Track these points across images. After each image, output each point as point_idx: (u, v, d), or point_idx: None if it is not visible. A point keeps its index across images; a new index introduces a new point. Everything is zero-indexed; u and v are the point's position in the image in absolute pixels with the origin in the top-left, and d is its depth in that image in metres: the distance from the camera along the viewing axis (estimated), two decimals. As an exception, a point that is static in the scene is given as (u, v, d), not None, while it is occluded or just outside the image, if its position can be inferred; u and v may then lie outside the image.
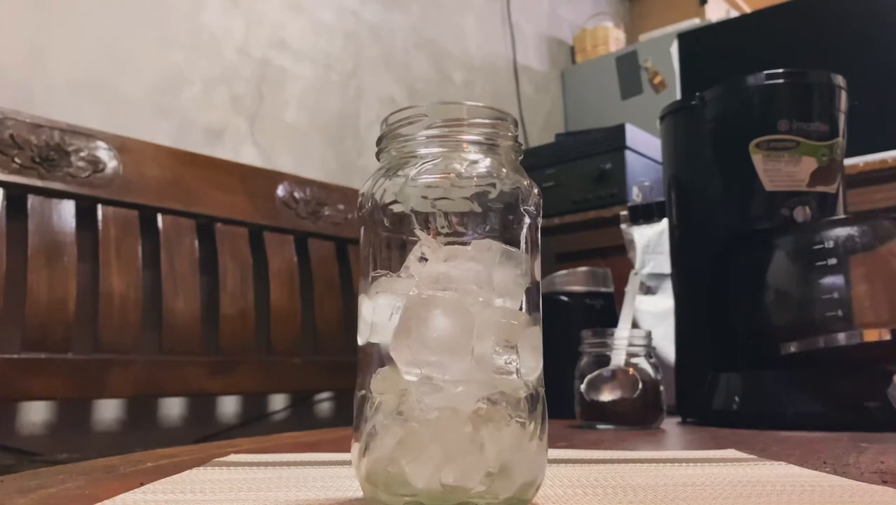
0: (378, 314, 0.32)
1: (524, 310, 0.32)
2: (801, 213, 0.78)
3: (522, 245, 0.32)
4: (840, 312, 0.72)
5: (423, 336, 0.30)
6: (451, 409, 0.29)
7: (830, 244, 0.74)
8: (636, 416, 0.77)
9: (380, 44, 1.83)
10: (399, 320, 0.31)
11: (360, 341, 0.33)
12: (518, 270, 0.32)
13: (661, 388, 0.79)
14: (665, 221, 1.10)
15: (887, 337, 0.69)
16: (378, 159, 0.34)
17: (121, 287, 1.15)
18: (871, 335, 0.70)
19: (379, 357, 0.31)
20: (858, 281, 0.73)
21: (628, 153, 1.68)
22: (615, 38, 2.39)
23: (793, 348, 0.74)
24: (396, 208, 0.32)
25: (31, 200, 1.10)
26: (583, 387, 0.78)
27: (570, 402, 0.80)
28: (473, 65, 2.11)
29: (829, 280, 0.73)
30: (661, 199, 1.08)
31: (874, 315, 0.72)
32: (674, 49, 1.79)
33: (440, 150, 0.32)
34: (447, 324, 0.30)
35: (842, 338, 0.71)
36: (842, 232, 0.75)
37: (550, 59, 2.41)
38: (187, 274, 1.24)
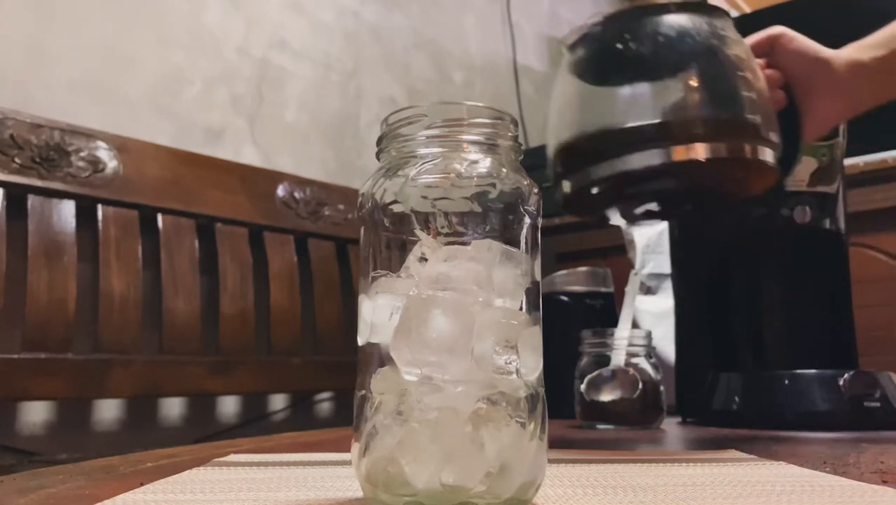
0: (378, 314, 0.32)
1: (524, 310, 0.32)
2: (802, 214, 0.79)
3: (522, 245, 0.32)
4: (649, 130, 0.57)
5: (423, 336, 0.30)
6: (451, 409, 0.29)
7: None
8: (636, 416, 0.77)
9: (380, 44, 1.83)
10: (399, 320, 0.31)
11: (360, 341, 0.33)
12: (518, 271, 0.32)
13: (661, 388, 0.79)
14: (665, 221, 1.10)
15: (702, 156, 0.55)
16: (378, 159, 0.34)
17: (121, 287, 1.15)
18: (680, 153, 0.56)
19: (379, 357, 0.31)
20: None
21: (628, 153, 1.68)
22: (615, 38, 2.39)
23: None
24: (396, 208, 0.32)
25: (31, 200, 1.10)
26: (583, 387, 0.78)
27: (570, 402, 0.80)
28: (473, 65, 2.11)
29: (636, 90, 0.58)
30: (661, 199, 1.08)
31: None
32: (674, 49, 1.79)
33: (440, 150, 0.32)
34: (447, 324, 0.30)
35: (641, 159, 0.55)
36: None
37: (550, 59, 2.41)
38: (187, 274, 1.24)
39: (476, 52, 2.12)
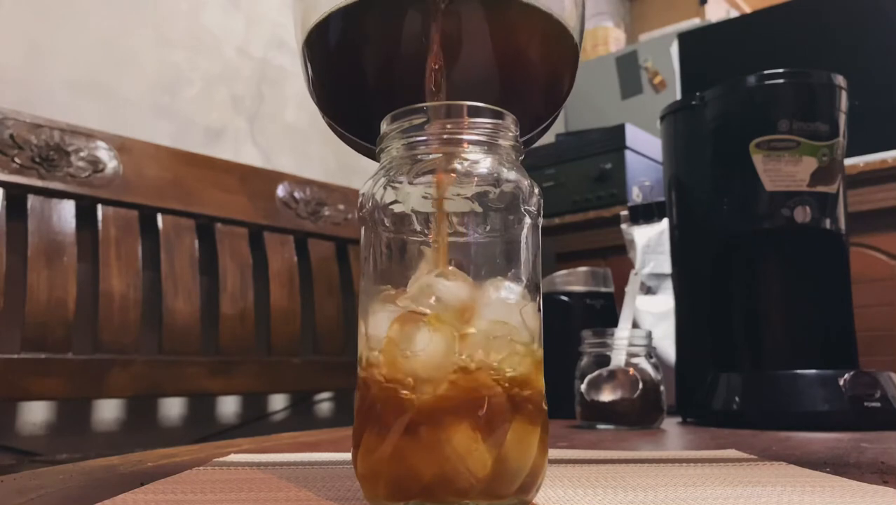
0: (375, 328, 0.32)
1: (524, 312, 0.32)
2: (802, 213, 0.79)
3: (523, 245, 0.32)
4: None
5: (408, 352, 0.30)
6: (451, 409, 0.29)
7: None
8: (636, 416, 0.77)
9: (380, 44, 1.83)
10: (386, 337, 0.31)
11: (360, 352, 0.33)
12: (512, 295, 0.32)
13: (662, 388, 0.79)
14: (665, 221, 1.10)
15: None
16: (378, 159, 0.34)
17: (121, 287, 1.15)
18: None
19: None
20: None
21: (628, 153, 1.68)
22: (615, 38, 2.39)
23: None
24: (397, 208, 0.32)
25: (31, 200, 1.10)
26: (583, 387, 0.78)
27: (570, 402, 0.80)
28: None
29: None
30: (661, 199, 1.08)
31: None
32: (674, 49, 1.79)
33: (440, 149, 0.32)
34: (428, 339, 0.30)
35: None
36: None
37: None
38: (187, 274, 1.24)
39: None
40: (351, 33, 0.41)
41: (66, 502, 0.33)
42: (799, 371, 0.75)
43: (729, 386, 0.79)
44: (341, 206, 1.50)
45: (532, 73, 0.42)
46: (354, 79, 0.42)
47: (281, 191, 1.41)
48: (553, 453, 0.46)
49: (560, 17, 0.40)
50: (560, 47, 0.42)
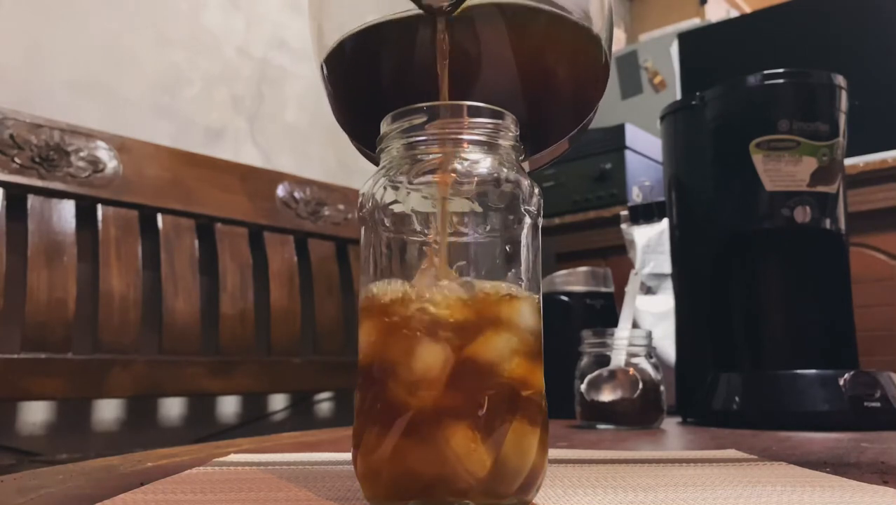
0: (374, 332, 0.32)
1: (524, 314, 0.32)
2: (802, 213, 0.79)
3: (523, 245, 0.32)
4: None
5: (408, 356, 0.30)
6: (452, 410, 0.29)
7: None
8: (636, 416, 0.77)
9: (380, 44, 1.83)
10: (387, 353, 0.31)
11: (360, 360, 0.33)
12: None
13: (662, 388, 0.79)
14: (665, 221, 1.10)
15: None
16: (378, 159, 0.34)
17: (121, 287, 1.15)
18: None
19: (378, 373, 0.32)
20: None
21: (628, 153, 1.68)
22: (615, 38, 2.39)
23: None
24: (397, 208, 0.32)
25: (31, 200, 1.10)
26: (583, 387, 0.78)
27: (570, 402, 0.80)
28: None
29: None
30: (661, 199, 1.08)
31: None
32: (674, 49, 1.79)
33: (440, 149, 0.32)
34: (427, 346, 0.30)
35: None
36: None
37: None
38: (187, 274, 1.24)
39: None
40: (373, 55, 0.40)
41: (66, 502, 0.33)
42: (799, 371, 0.75)
43: (729, 386, 0.79)
44: (341, 206, 1.50)
45: (560, 94, 0.41)
46: (380, 100, 0.40)
47: (281, 191, 1.41)
48: (553, 453, 0.46)
49: (587, 25, 0.38)
50: (589, 62, 0.40)
